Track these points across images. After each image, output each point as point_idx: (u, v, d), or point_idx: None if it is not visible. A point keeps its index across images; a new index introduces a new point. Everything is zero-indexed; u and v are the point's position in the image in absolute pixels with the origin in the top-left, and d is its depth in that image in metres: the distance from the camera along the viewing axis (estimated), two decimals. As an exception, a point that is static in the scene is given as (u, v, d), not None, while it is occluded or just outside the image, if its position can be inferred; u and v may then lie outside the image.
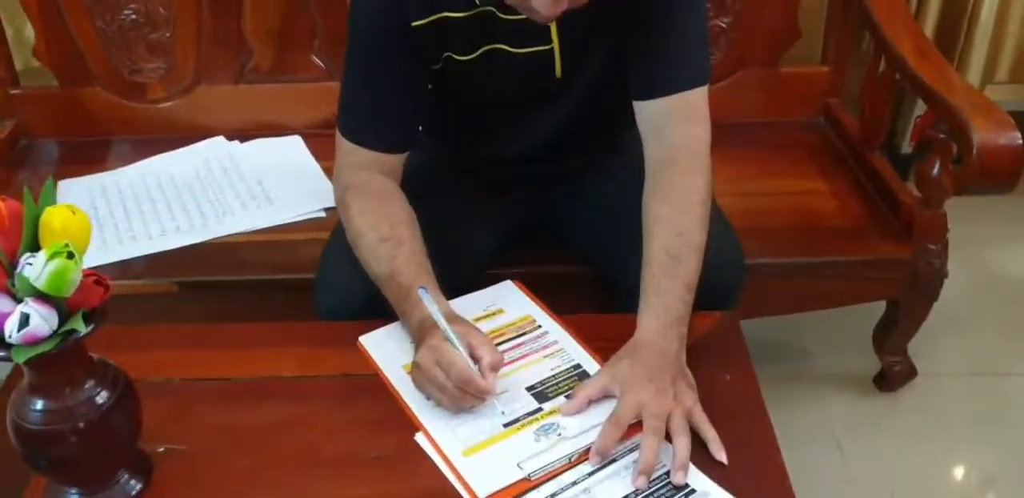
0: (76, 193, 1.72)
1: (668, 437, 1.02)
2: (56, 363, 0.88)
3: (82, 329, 0.85)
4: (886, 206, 1.67)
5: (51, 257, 0.81)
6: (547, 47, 1.21)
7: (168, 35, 1.84)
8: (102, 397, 0.94)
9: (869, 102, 1.77)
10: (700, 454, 1.02)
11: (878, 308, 1.75)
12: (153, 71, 1.87)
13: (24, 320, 0.82)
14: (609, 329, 1.20)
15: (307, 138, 1.88)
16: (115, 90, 1.88)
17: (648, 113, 1.21)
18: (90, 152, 1.87)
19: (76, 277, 0.83)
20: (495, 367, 1.06)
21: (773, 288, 1.57)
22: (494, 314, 1.23)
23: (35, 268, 0.82)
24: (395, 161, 1.26)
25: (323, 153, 1.76)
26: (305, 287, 1.31)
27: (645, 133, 1.22)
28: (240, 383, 1.14)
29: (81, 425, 0.92)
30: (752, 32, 1.88)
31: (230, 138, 1.88)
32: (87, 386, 0.93)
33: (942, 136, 1.49)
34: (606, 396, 1.09)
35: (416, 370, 1.08)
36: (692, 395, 1.07)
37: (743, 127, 1.83)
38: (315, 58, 1.87)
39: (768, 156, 1.83)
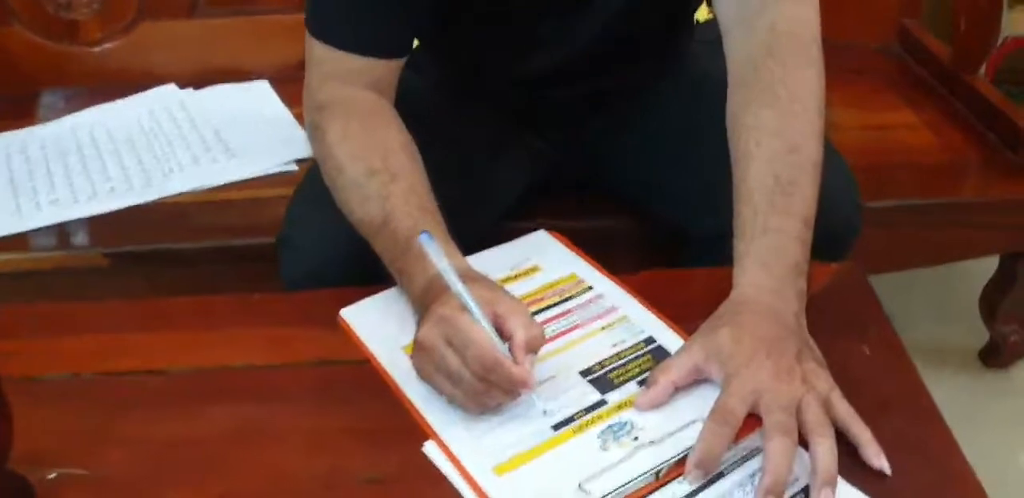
0: (-7, 148, 1.39)
1: (800, 440, 0.69)
2: None
3: None
4: (998, 138, 1.34)
5: None
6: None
7: (103, -41, 1.50)
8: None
9: (967, 10, 1.43)
10: (848, 461, 0.69)
11: (985, 269, 1.42)
12: (86, 6, 1.54)
13: None
14: (688, 289, 0.88)
15: (277, 84, 1.55)
16: (40, 31, 1.54)
17: None
18: (11, 107, 1.53)
19: None
20: (533, 347, 0.73)
21: (869, 240, 1.24)
22: (527, 273, 0.90)
23: None
24: (387, 70, 0.92)
25: (297, 99, 1.42)
26: (271, 255, 0.98)
27: (729, 20, 0.88)
28: (177, 377, 0.81)
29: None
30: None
31: (182, 86, 1.55)
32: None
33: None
34: (700, 380, 0.76)
35: (419, 352, 0.74)
36: (826, 376, 0.74)
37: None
38: (285, -18, 1.54)
39: (838, 84, 1.50)
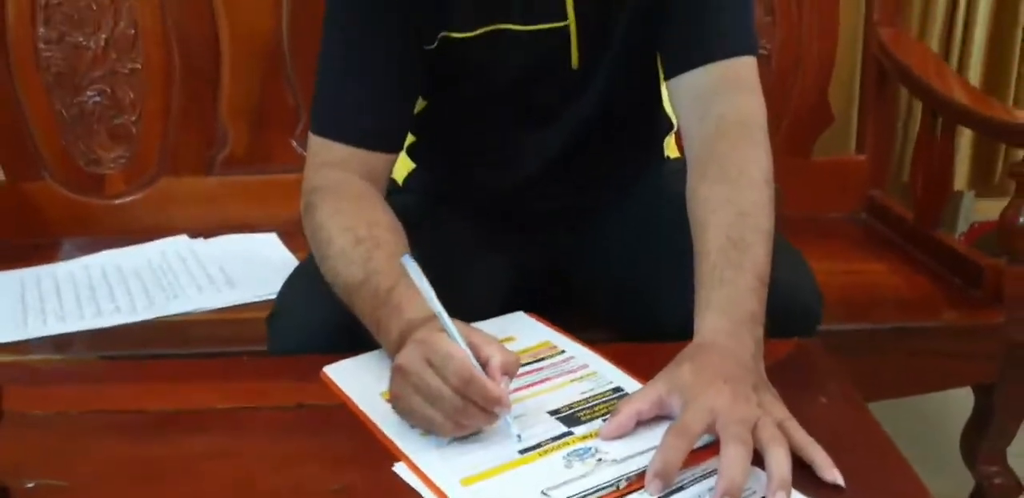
0: (3, 281, 1.46)
1: (756, 459, 0.71)
2: None
3: None
4: (962, 280, 1.41)
5: None
6: (562, 24, 1.01)
7: (133, 119, 1.65)
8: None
9: (924, 173, 1.55)
10: (801, 477, 0.71)
11: (965, 408, 1.44)
12: (113, 161, 1.67)
13: None
14: (655, 360, 0.91)
15: (284, 236, 1.64)
16: (69, 184, 1.66)
17: (686, 87, 0.99)
18: (33, 252, 1.62)
19: None
20: (508, 370, 0.77)
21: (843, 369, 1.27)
22: (503, 341, 0.92)
23: None
24: (379, 162, 1.02)
25: (302, 247, 1.52)
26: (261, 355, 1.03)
27: (684, 112, 0.99)
28: (156, 415, 0.83)
29: None
30: (779, 116, 1.70)
31: (194, 237, 1.65)
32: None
33: (1029, 170, 1.27)
34: (663, 416, 0.78)
35: (398, 377, 0.78)
36: (782, 407, 0.77)
37: (777, 220, 1.61)
38: (296, 145, 1.67)
39: (807, 244, 1.59)
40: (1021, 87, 1.87)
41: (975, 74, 1.86)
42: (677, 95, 1.00)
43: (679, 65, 0.99)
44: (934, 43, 1.85)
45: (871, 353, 1.31)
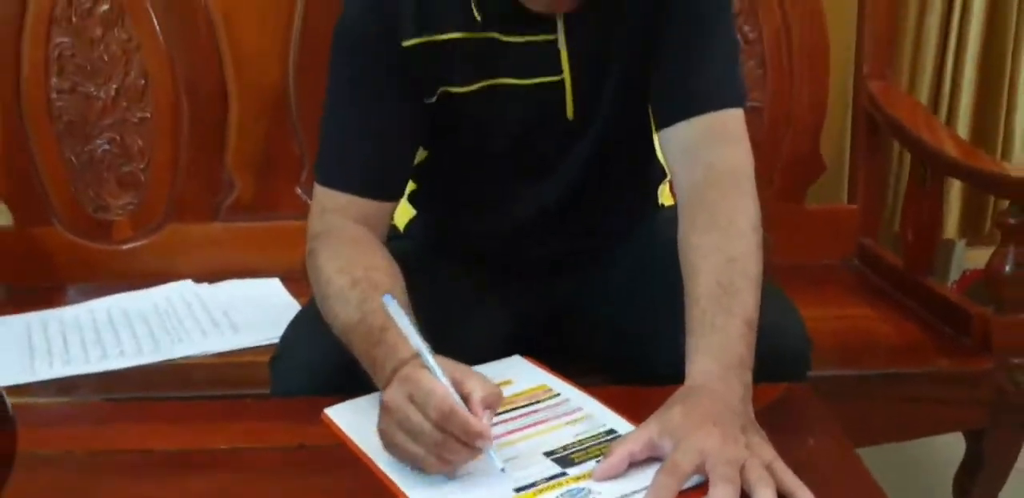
0: (12, 325, 1.49)
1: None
2: None
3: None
4: (951, 328, 1.44)
5: None
6: (557, 78, 1.06)
7: (142, 167, 1.69)
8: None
9: (913, 222, 1.59)
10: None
11: (957, 453, 1.46)
12: (121, 208, 1.70)
13: None
14: (647, 403, 0.94)
15: (286, 282, 1.67)
16: (76, 229, 1.70)
17: (676, 139, 1.02)
18: (39, 297, 1.65)
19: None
20: (490, 404, 0.80)
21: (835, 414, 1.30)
22: (499, 384, 0.96)
23: None
24: (376, 210, 1.05)
25: (305, 293, 1.55)
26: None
27: (674, 163, 1.03)
28: (162, 455, 0.86)
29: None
30: (772, 165, 1.74)
31: (198, 282, 1.68)
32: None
33: (1012, 220, 1.30)
34: (655, 457, 0.81)
35: (383, 414, 0.81)
36: (770, 448, 0.79)
37: (765, 268, 1.64)
38: (300, 192, 1.71)
39: (799, 291, 1.62)
40: (1008, 139, 1.91)
41: (964, 125, 1.91)
42: (667, 146, 1.04)
43: (669, 117, 1.03)
44: (923, 95, 1.90)
45: (862, 398, 1.33)
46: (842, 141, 1.85)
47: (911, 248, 1.60)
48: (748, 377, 0.86)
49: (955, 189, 1.94)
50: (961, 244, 2.08)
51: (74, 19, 1.63)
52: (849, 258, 1.76)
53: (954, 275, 2.11)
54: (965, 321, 1.41)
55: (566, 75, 1.05)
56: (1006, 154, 1.92)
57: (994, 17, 1.86)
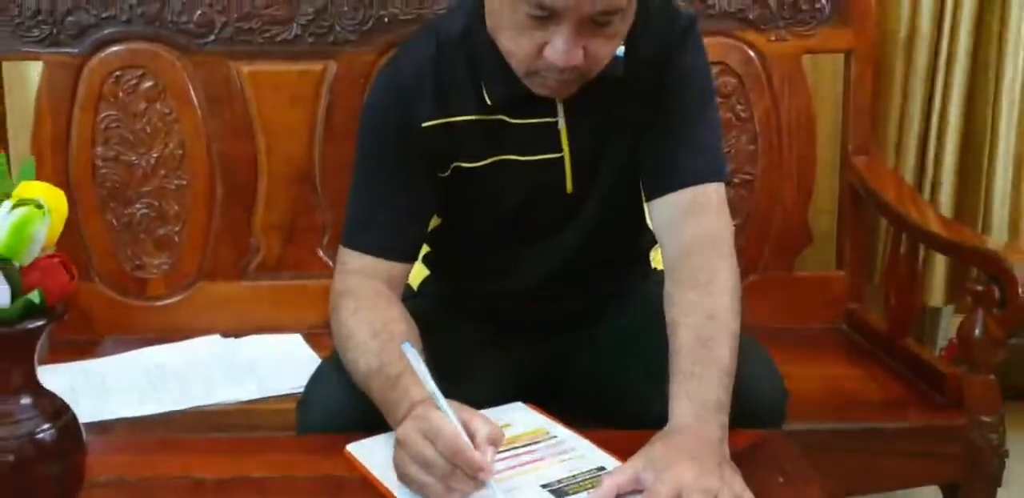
0: (57, 373, 1.60)
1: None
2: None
3: (37, 301, 0.74)
4: (928, 386, 1.54)
5: (17, 205, 0.72)
6: (557, 155, 1.19)
7: (177, 230, 1.82)
8: (43, 430, 0.79)
9: (894, 288, 1.70)
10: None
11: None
12: (156, 267, 1.83)
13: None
14: (634, 444, 1.04)
15: (308, 338, 1.79)
16: (115, 286, 1.82)
17: (663, 209, 1.15)
18: (76, 349, 1.76)
19: (40, 234, 0.74)
20: (494, 441, 0.91)
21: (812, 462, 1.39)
22: (503, 427, 1.07)
23: (-3, 223, 0.72)
24: (395, 270, 1.17)
25: (325, 348, 1.66)
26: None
27: (661, 230, 1.16)
28: (201, 482, 0.97)
29: (11, 458, 0.77)
30: (763, 235, 1.86)
31: (226, 337, 1.79)
32: (24, 411, 0.79)
33: (980, 288, 1.41)
34: (638, 491, 0.91)
35: (398, 448, 0.92)
36: (741, 482, 0.90)
37: (756, 332, 1.74)
38: (322, 254, 1.84)
39: (789, 352, 1.72)
40: (989, 214, 2.03)
41: (947, 199, 2.02)
42: (655, 215, 1.16)
43: (656, 190, 1.15)
44: (908, 170, 2.03)
45: (843, 451, 1.43)
46: (832, 211, 1.96)
47: (893, 313, 1.71)
48: (725, 420, 0.97)
49: (940, 260, 2.03)
50: (948, 310, 2.18)
51: (120, 94, 1.78)
52: (838, 322, 1.87)
53: (942, 341, 2.21)
54: (940, 380, 1.51)
55: (566, 153, 1.18)
56: (987, 228, 2.03)
57: (973, 93, 1.99)
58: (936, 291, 2.07)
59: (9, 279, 0.75)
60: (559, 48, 1.00)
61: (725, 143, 1.80)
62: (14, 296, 0.76)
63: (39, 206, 0.76)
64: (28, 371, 0.84)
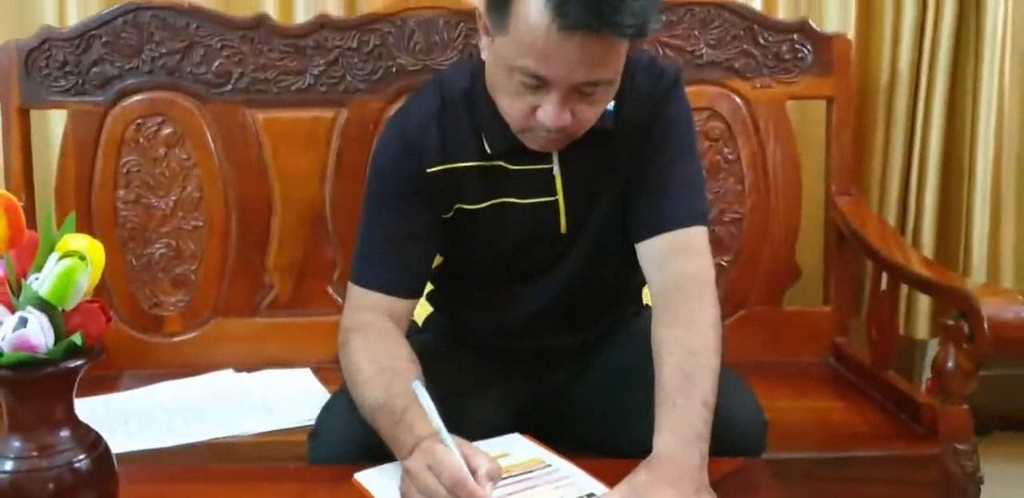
0: (80, 407, 1.68)
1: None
2: (42, 393, 0.83)
3: (79, 342, 0.82)
4: (908, 416, 1.62)
5: (63, 256, 0.81)
6: (552, 198, 1.28)
7: (193, 269, 1.91)
8: (79, 460, 0.87)
9: (876, 324, 1.79)
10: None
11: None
12: (173, 304, 1.92)
13: (22, 324, 0.80)
14: (621, 472, 1.12)
15: (317, 372, 1.87)
16: (133, 323, 1.91)
17: (649, 250, 1.24)
18: (95, 384, 1.84)
19: (83, 282, 0.83)
20: (493, 477, 0.99)
21: (795, 490, 1.47)
22: (498, 457, 1.15)
23: (42, 276, 0.81)
24: (400, 307, 1.26)
25: (334, 382, 1.74)
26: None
27: (648, 270, 1.25)
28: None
29: (52, 487, 0.85)
30: (752, 271, 1.95)
31: (238, 371, 1.88)
32: (63, 442, 0.87)
33: (951, 322, 1.50)
34: (624, 514, 0.99)
35: (405, 478, 1.00)
36: (717, 506, 0.98)
37: (746, 366, 1.81)
38: (332, 292, 1.92)
39: (777, 385, 1.80)
40: (969, 253, 2.12)
41: (928, 238, 2.12)
42: (642, 257, 1.25)
43: (642, 233, 1.25)
44: (891, 209, 2.12)
45: (826, 479, 1.51)
46: (818, 248, 2.05)
47: (876, 347, 1.79)
48: (705, 448, 1.05)
49: (924, 295, 2.12)
50: (933, 343, 2.26)
51: (141, 141, 1.88)
52: (825, 356, 1.95)
53: (929, 372, 2.28)
54: (918, 411, 1.59)
55: (560, 197, 1.28)
56: (967, 269, 2.12)
57: (951, 137, 2.10)
58: (921, 324, 2.16)
59: (54, 323, 0.83)
60: (549, 112, 1.11)
61: (714, 184, 1.90)
62: (57, 338, 0.85)
63: (82, 257, 0.84)
64: (68, 406, 0.92)
